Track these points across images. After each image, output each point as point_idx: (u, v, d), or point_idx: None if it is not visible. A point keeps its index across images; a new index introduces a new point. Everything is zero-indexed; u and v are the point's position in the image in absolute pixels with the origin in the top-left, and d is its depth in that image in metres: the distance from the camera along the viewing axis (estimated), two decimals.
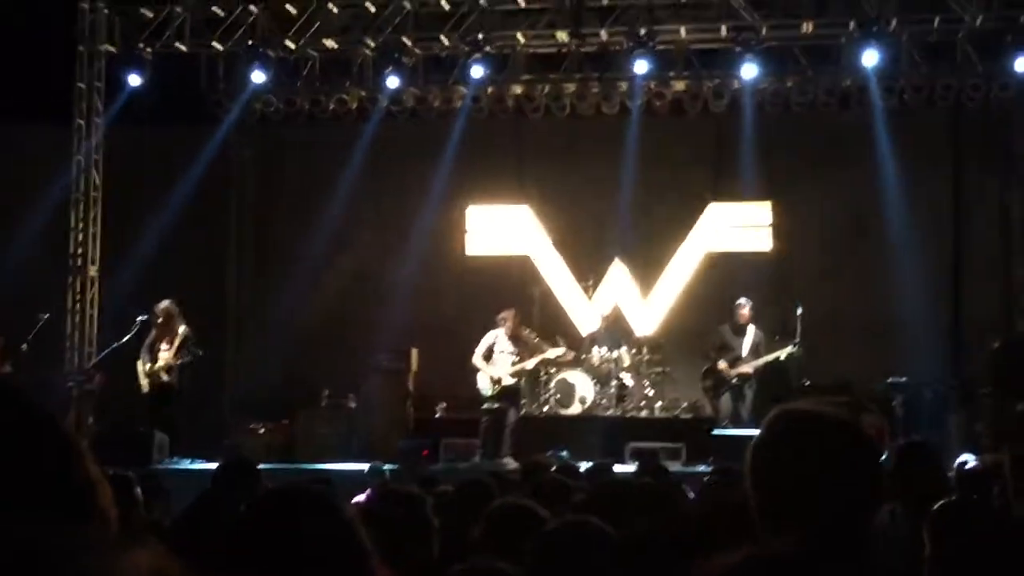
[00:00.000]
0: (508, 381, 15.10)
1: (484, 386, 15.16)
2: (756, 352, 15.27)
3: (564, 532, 4.01)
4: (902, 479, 5.55)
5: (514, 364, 15.11)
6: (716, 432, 14.51)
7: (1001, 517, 5.35)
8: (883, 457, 4.60)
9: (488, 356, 15.16)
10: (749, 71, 16.61)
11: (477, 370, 15.19)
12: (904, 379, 15.45)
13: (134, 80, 17.13)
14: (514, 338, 15.20)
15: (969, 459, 11.01)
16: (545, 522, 4.51)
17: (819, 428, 2.63)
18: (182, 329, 14.69)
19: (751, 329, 15.41)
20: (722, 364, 15.24)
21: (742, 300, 15.53)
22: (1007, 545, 3.18)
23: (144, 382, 14.65)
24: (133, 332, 14.83)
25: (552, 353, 15.49)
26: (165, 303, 14.74)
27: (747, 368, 15.19)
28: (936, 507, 4.37)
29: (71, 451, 1.56)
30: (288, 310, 17.79)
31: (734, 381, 15.19)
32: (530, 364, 15.31)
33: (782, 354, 15.20)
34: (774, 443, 2.62)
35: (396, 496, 5.97)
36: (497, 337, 15.21)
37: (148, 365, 14.62)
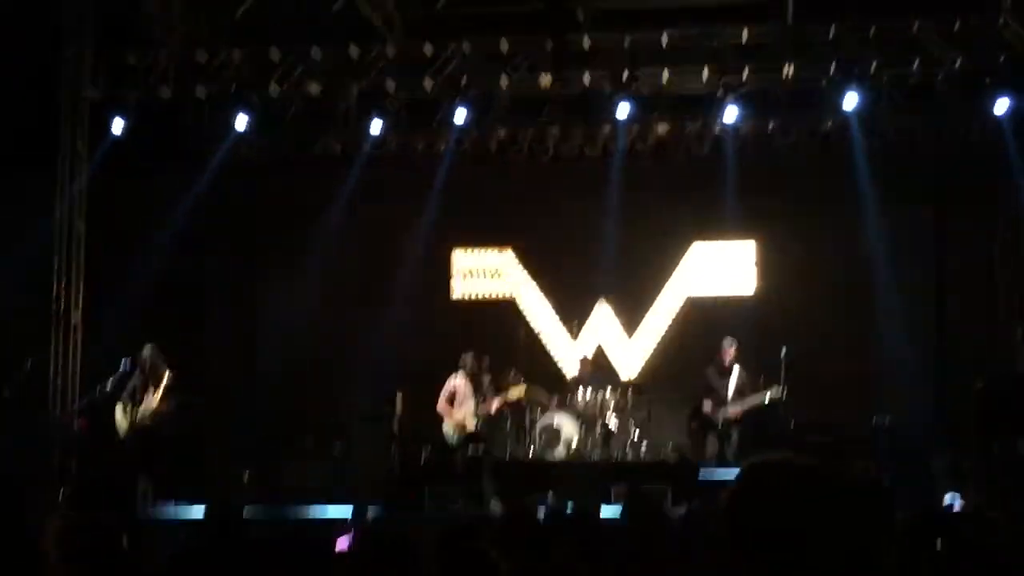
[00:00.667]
0: (472, 426, 15.09)
1: (449, 433, 15.18)
2: (741, 394, 15.27)
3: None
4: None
5: (478, 408, 15.11)
6: (703, 475, 14.51)
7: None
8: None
9: (451, 400, 15.18)
10: (731, 114, 16.72)
11: (442, 418, 15.20)
12: (888, 419, 15.44)
13: (118, 126, 17.12)
14: (474, 380, 15.22)
15: (954, 500, 11.04)
16: (497, 567, 4.50)
17: (793, 479, 2.63)
18: (167, 374, 14.62)
19: (736, 370, 15.42)
20: (707, 407, 15.24)
21: (727, 341, 15.55)
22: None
23: (123, 427, 14.55)
24: (117, 377, 14.75)
25: (514, 394, 15.47)
26: (148, 348, 14.68)
27: (735, 410, 15.17)
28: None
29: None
30: (273, 353, 17.71)
31: (720, 424, 15.18)
32: (494, 407, 15.29)
33: (766, 397, 15.20)
34: (749, 494, 2.62)
35: (392, 540, 5.95)
36: (457, 381, 15.23)
37: (131, 410, 14.52)
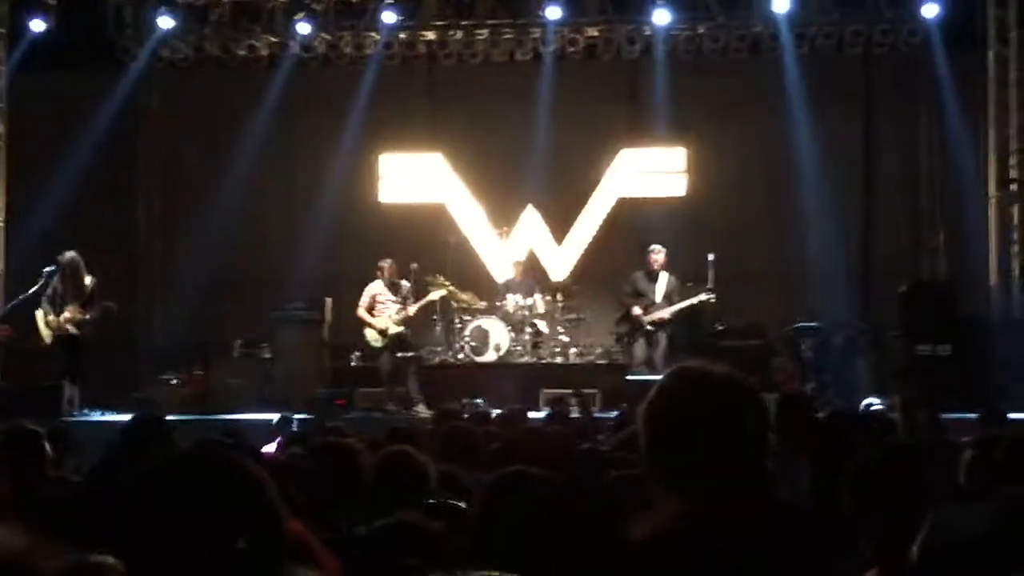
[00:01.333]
0: (395, 330, 15.08)
1: (372, 338, 15.18)
2: (669, 299, 15.31)
3: (504, 480, 4.02)
4: (780, 425, 6.00)
5: (398, 312, 15.09)
6: (630, 377, 14.61)
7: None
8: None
9: (371, 308, 15.16)
10: (662, 17, 16.66)
11: (363, 323, 15.18)
12: (814, 323, 15.62)
13: (37, 25, 16.74)
14: (392, 286, 15.20)
15: (875, 402, 11.21)
16: (426, 472, 4.52)
17: (710, 386, 2.64)
18: (88, 280, 14.39)
19: (664, 276, 15.44)
20: (636, 310, 15.28)
21: (655, 247, 15.55)
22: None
23: (45, 333, 14.34)
24: (40, 284, 14.52)
25: (434, 295, 15.46)
26: (70, 254, 14.40)
27: (662, 314, 15.23)
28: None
29: None
30: (200, 259, 17.53)
31: (648, 327, 15.25)
32: (413, 310, 15.25)
33: (695, 300, 15.27)
34: (668, 401, 2.63)
35: (329, 448, 5.94)
36: (377, 288, 15.21)
37: (52, 317, 14.29)
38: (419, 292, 15.40)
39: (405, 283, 15.31)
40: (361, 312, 15.15)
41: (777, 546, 2.20)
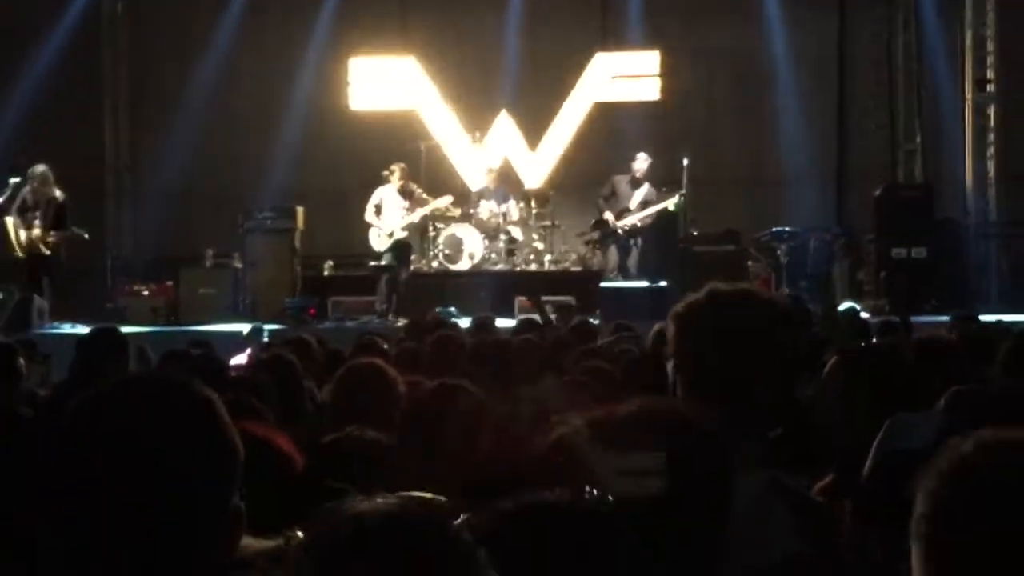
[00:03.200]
0: (400, 235, 14.88)
1: (376, 242, 14.96)
2: (644, 206, 15.18)
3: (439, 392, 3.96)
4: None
5: (404, 217, 14.89)
6: (604, 284, 14.56)
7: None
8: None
9: (378, 212, 14.94)
10: None
11: (369, 227, 14.97)
12: (789, 228, 15.57)
13: None
14: (403, 192, 14.96)
15: (853, 306, 11.21)
16: (392, 382, 4.44)
17: (750, 304, 2.65)
18: (59, 195, 14.13)
19: (645, 185, 15.26)
20: (608, 215, 15.18)
21: (641, 155, 15.28)
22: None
23: (18, 245, 14.12)
24: (7, 195, 14.28)
25: (441, 202, 15.31)
26: (41, 168, 14.13)
27: (633, 220, 15.13)
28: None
29: None
30: (169, 168, 17.35)
31: (620, 233, 15.14)
32: (417, 216, 15.09)
33: (669, 204, 15.15)
34: (705, 315, 2.63)
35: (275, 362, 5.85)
36: (385, 192, 14.96)
37: (23, 231, 14.05)
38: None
39: (416, 188, 15.08)
40: (369, 216, 14.90)
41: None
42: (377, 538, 1.41)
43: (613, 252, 15.21)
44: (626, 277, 14.76)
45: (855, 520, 3.22)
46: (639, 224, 15.16)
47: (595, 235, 15.50)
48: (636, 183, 15.26)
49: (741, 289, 2.72)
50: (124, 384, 1.97)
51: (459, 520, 1.52)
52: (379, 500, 1.48)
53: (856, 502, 3.30)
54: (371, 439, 3.59)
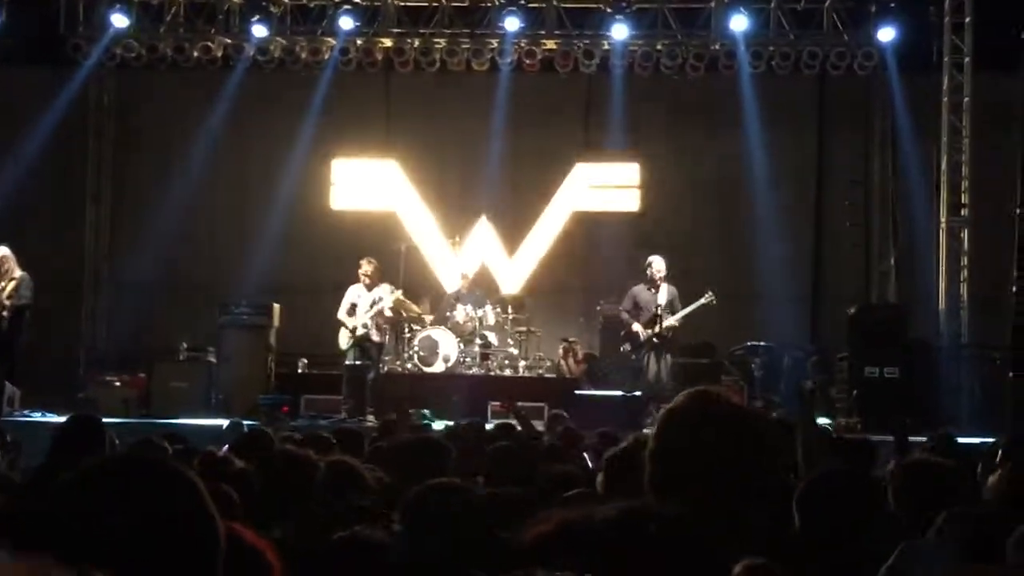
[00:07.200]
0: (361, 332, 14.82)
1: (343, 340, 14.95)
2: (671, 308, 14.66)
3: (432, 493, 4.01)
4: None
5: (365, 313, 14.82)
6: (578, 392, 14.52)
7: None
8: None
9: (352, 312, 14.95)
10: (620, 32, 16.66)
11: (341, 325, 14.96)
12: (763, 343, 15.62)
13: None
14: (370, 288, 14.95)
15: (824, 422, 11.23)
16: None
17: (738, 417, 2.65)
18: (19, 274, 14.00)
19: (664, 287, 14.73)
20: (636, 327, 14.61)
21: (654, 258, 14.67)
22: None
23: None
24: None
25: (388, 298, 15.04)
26: (2, 249, 14.07)
27: (674, 321, 14.53)
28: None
29: None
30: (147, 261, 17.38)
31: (654, 340, 14.54)
32: (372, 310, 14.89)
33: (702, 302, 14.58)
34: (694, 420, 2.62)
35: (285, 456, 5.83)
36: (360, 291, 14.97)
37: None
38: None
39: (385, 285, 15.03)
40: (342, 314, 14.87)
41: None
42: None
43: (651, 362, 14.65)
44: (660, 385, 14.16)
45: None
46: (675, 325, 14.63)
47: (627, 347, 14.91)
48: (655, 286, 14.71)
49: (736, 408, 2.72)
50: (117, 460, 2.01)
51: None
52: None
53: None
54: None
